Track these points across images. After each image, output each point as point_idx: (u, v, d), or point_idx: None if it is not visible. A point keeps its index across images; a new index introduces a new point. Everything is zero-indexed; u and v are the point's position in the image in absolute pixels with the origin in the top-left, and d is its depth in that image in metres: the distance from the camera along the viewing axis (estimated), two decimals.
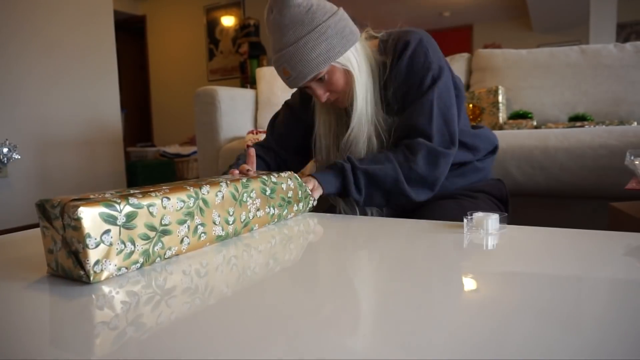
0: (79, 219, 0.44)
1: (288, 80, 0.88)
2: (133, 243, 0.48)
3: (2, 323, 0.37)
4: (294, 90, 1.10)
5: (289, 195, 0.76)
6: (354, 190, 0.86)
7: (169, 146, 4.60)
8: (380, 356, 0.29)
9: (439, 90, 0.89)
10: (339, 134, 0.99)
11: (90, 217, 0.44)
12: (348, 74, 0.89)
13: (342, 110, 0.99)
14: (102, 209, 0.46)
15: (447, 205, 0.91)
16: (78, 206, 0.44)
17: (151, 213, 0.50)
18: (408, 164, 0.86)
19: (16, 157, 2.36)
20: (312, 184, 0.84)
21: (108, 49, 3.06)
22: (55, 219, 0.46)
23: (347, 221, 0.78)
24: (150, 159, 4.42)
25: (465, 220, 0.65)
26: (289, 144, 1.09)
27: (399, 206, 0.98)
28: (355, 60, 0.89)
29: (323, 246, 0.64)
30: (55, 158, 2.72)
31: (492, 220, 0.63)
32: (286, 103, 1.13)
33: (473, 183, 0.98)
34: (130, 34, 5.76)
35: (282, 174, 0.76)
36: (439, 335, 0.32)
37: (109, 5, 3.07)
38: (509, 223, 0.66)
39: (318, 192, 0.84)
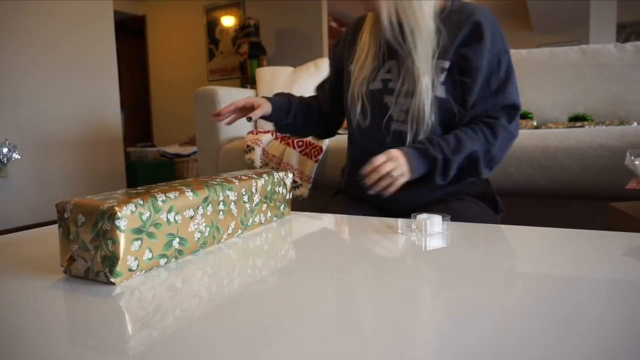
0: (116, 221, 0.44)
1: None
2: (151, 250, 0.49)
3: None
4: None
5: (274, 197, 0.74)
6: (440, 177, 0.88)
7: (169, 146, 4.60)
8: (378, 357, 0.29)
9: (514, 73, 0.94)
10: (380, 65, 0.98)
11: (126, 221, 0.45)
12: None
13: (388, 46, 0.97)
14: (136, 215, 0.46)
15: (436, 209, 0.91)
16: (115, 211, 0.44)
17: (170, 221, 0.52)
18: (488, 146, 0.89)
19: (16, 157, 2.36)
20: (402, 169, 0.84)
21: (108, 49, 3.07)
22: (78, 220, 0.46)
23: (351, 221, 0.78)
24: (150, 159, 4.42)
25: (399, 222, 0.67)
26: (334, 95, 1.11)
27: (392, 212, 0.99)
28: None
29: (311, 246, 0.63)
30: (55, 158, 2.73)
31: (433, 221, 0.63)
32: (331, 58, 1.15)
33: (459, 188, 0.97)
34: (130, 34, 5.76)
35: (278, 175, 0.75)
36: (437, 335, 0.32)
37: (109, 5, 3.08)
38: (504, 219, 0.66)
39: (404, 179, 0.85)
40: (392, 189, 0.84)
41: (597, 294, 0.41)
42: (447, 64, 0.91)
